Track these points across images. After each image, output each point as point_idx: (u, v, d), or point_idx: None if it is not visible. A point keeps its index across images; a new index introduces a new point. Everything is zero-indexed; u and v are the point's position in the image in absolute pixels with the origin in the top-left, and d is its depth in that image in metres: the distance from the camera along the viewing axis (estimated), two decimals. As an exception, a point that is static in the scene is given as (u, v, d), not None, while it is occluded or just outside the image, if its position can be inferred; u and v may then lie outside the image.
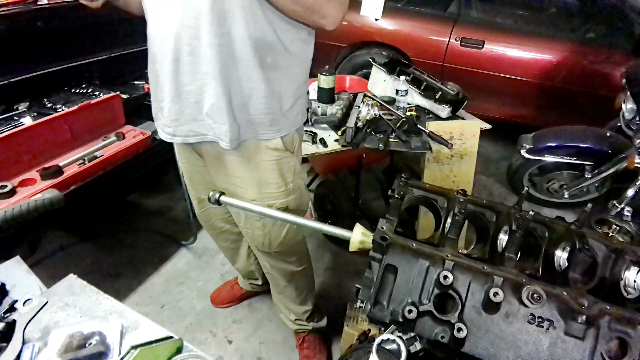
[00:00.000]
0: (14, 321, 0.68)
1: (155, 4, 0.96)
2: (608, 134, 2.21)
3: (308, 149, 1.65)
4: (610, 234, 0.78)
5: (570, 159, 2.26)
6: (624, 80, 2.22)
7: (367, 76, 2.21)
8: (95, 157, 1.53)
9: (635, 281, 0.66)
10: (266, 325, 1.78)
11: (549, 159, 2.31)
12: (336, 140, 1.68)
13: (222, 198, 1.01)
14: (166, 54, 0.95)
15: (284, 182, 1.17)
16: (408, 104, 1.92)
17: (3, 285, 0.74)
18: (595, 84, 2.77)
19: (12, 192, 1.31)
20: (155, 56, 1.01)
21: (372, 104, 1.85)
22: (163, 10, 0.93)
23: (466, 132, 1.80)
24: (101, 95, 1.76)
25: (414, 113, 1.84)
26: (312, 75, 1.31)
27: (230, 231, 1.52)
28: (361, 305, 0.69)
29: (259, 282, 1.77)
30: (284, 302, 1.56)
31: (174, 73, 0.97)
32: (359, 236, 0.79)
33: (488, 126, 1.89)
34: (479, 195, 0.98)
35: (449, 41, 3.04)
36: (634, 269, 0.66)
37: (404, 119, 1.72)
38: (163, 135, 1.15)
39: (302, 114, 1.17)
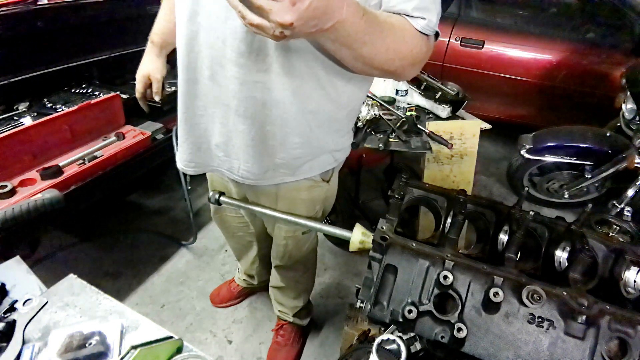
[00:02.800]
0: (14, 321, 0.68)
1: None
2: (608, 134, 2.21)
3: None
4: (610, 234, 0.78)
5: (570, 159, 2.26)
6: (624, 80, 2.22)
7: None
8: (95, 157, 1.53)
9: (635, 281, 0.66)
10: (266, 325, 1.78)
11: (549, 159, 2.30)
12: (336, 140, 1.68)
13: (222, 198, 1.02)
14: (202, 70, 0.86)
15: (314, 214, 1.12)
16: (408, 104, 1.92)
17: (3, 285, 0.74)
18: (595, 84, 2.76)
19: (12, 192, 1.31)
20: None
21: (372, 104, 1.84)
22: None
23: (466, 132, 1.80)
24: (101, 95, 1.76)
25: (414, 113, 1.84)
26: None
27: (243, 237, 1.53)
28: (361, 305, 0.69)
29: (255, 281, 1.78)
30: (277, 296, 1.59)
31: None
32: (359, 236, 0.79)
33: (488, 126, 1.89)
34: (479, 195, 0.97)
35: (449, 41, 3.04)
36: (634, 269, 0.66)
37: (404, 119, 1.72)
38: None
39: (349, 147, 1.07)
